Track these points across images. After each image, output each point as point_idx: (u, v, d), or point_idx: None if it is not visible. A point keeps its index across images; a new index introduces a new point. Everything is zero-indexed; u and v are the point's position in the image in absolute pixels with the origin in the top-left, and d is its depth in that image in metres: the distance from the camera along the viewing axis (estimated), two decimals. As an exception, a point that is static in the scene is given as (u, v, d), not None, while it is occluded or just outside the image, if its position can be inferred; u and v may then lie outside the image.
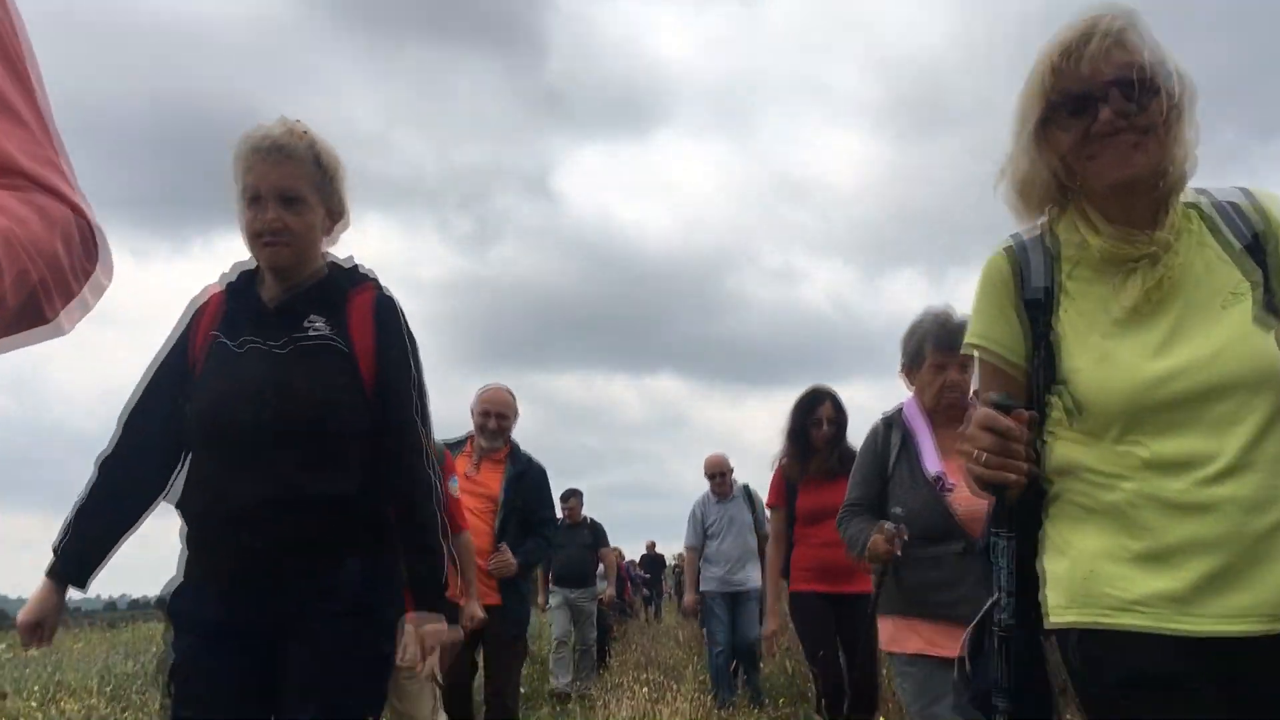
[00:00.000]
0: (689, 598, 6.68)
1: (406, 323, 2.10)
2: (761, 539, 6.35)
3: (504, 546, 4.26)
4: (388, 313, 2.07)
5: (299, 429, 1.93)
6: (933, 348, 2.90)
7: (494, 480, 4.41)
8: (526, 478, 4.49)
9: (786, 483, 4.54)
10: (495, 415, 4.45)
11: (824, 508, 4.07)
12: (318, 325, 2.02)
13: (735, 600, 6.54)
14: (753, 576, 6.49)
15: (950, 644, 2.39)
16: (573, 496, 8.74)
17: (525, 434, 5.38)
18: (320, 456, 1.93)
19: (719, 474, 6.90)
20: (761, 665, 6.78)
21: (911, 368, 3.00)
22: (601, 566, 9.20)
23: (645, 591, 19.26)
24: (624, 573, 14.79)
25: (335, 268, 2.15)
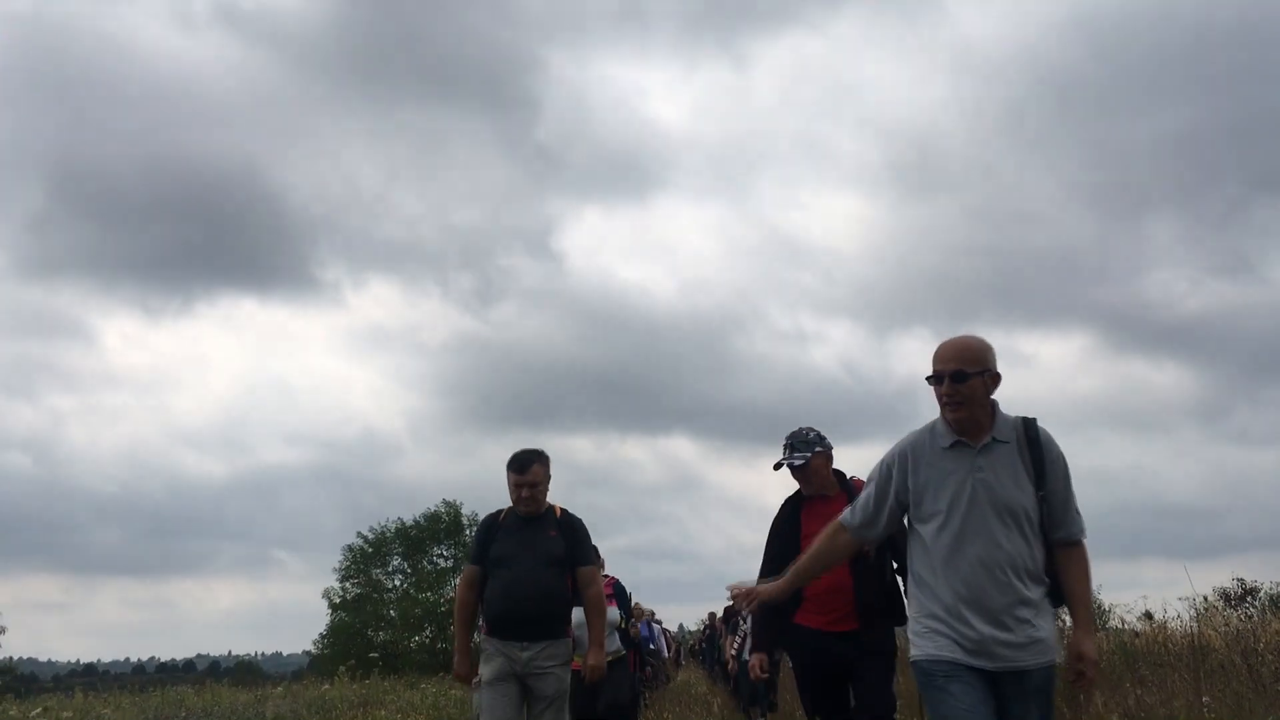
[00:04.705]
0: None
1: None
2: (1064, 544, 3.00)
3: None
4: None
5: None
6: None
7: None
8: None
9: None
10: None
11: None
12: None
13: (1003, 688, 2.88)
14: (1040, 632, 2.90)
15: None
16: (536, 462, 4.70)
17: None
18: None
19: (950, 373, 2.96)
20: None
21: None
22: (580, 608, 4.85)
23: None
24: (635, 635, 10.75)
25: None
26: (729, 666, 12.27)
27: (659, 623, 17.21)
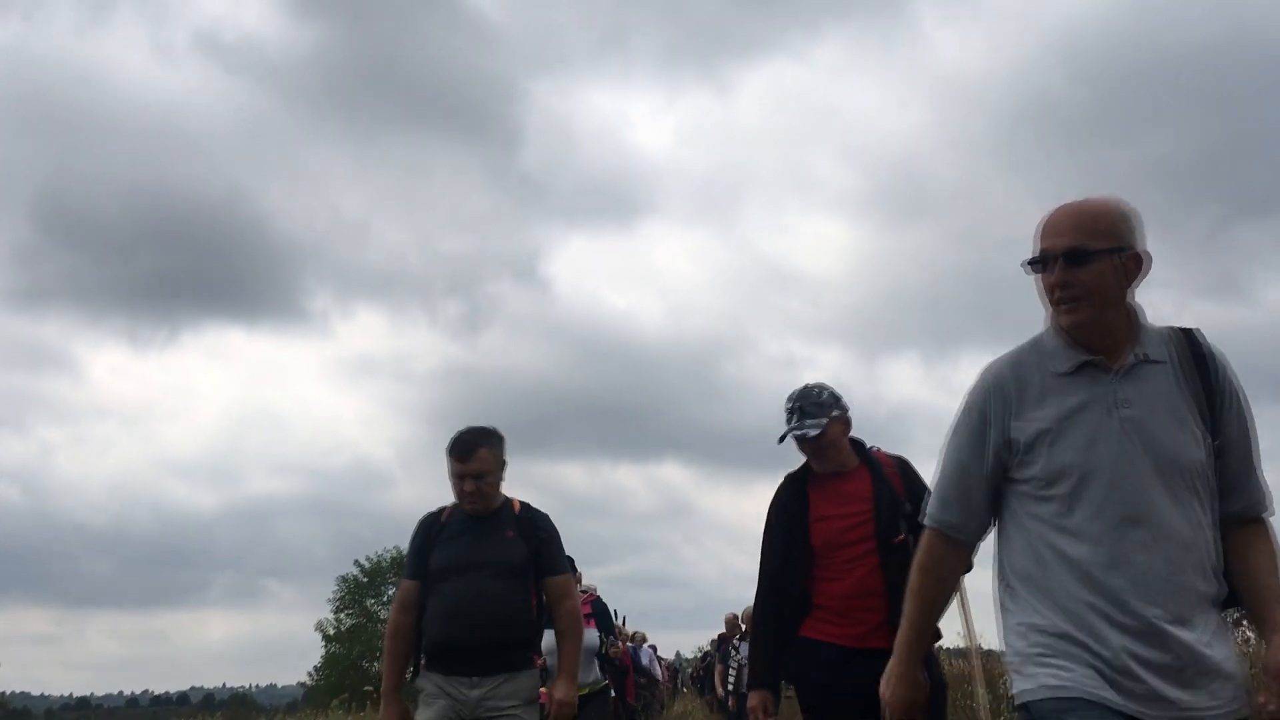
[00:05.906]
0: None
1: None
2: (1243, 520, 1.90)
3: None
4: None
5: None
6: None
7: None
8: None
9: None
10: None
11: None
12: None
13: None
14: (1221, 659, 1.79)
15: None
16: (482, 445, 3.60)
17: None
18: None
19: (1063, 251, 1.84)
20: None
21: None
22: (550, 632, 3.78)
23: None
24: (625, 658, 9.46)
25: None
26: (729, 704, 11.39)
27: (653, 648, 16.92)
